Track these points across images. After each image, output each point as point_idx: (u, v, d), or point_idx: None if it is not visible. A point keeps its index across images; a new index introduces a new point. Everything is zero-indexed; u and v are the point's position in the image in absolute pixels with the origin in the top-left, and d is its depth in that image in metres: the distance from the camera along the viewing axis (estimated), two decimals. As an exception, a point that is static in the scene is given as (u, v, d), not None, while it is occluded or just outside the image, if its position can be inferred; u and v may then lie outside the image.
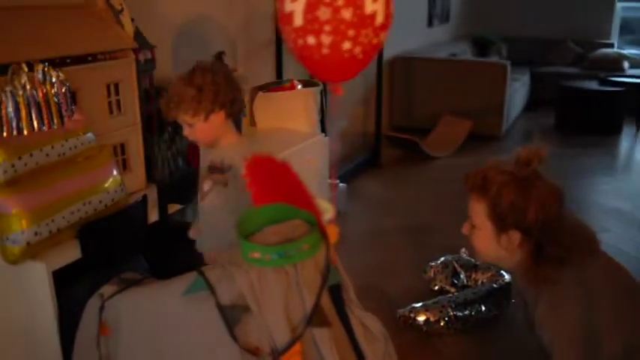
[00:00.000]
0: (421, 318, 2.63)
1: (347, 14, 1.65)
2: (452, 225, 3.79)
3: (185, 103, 1.98)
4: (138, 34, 2.52)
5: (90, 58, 2.27)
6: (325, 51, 1.70)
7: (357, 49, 1.71)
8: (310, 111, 3.53)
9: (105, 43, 2.30)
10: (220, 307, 1.60)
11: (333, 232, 1.71)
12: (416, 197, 4.42)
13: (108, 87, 2.32)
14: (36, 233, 1.91)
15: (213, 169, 2.08)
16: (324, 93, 3.67)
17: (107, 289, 1.81)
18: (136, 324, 1.74)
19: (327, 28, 1.67)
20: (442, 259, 3.07)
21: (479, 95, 6.01)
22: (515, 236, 1.68)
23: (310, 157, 3.26)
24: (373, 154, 5.10)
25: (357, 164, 4.80)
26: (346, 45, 1.69)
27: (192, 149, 2.74)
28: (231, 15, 3.56)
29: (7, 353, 2.18)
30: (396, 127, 6.12)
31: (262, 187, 1.74)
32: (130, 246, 2.18)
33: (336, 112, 4.36)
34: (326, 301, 1.67)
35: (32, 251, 1.93)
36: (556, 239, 1.66)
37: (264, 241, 1.65)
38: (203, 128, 2.03)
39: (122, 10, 2.43)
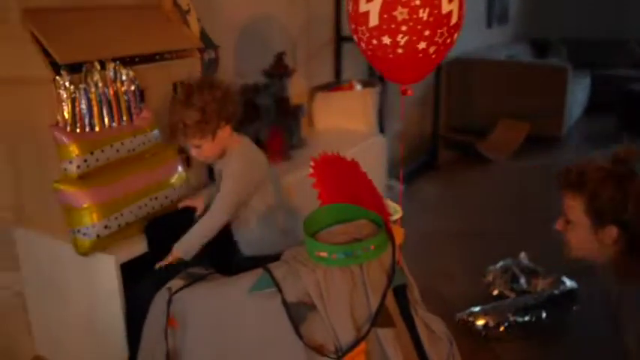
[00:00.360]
0: (480, 322, 2.60)
1: (424, 14, 1.65)
2: (510, 229, 3.77)
3: (191, 128, 1.97)
4: (203, 34, 2.57)
5: (158, 57, 2.33)
6: (400, 51, 1.70)
7: (432, 49, 1.71)
8: (369, 111, 3.53)
9: (172, 43, 2.36)
10: (286, 304, 1.61)
11: (399, 233, 1.71)
12: (473, 200, 4.37)
13: (174, 85, 2.38)
14: (106, 226, 1.97)
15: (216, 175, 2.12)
16: (383, 93, 3.67)
17: (175, 283, 1.84)
18: (202, 318, 1.76)
19: (403, 27, 1.67)
20: (501, 263, 3.02)
21: (538, 98, 5.89)
22: (613, 231, 1.69)
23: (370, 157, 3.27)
24: (430, 156, 5.06)
25: (414, 166, 4.77)
26: (421, 45, 1.69)
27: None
28: (292, 16, 3.59)
29: (74, 341, 2.25)
30: (453, 128, 6.05)
31: (329, 186, 1.74)
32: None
33: (394, 113, 4.35)
34: (391, 302, 1.66)
35: (102, 244, 2.00)
36: None
37: (330, 240, 1.65)
38: (211, 147, 2.04)
39: (189, 10, 2.48)
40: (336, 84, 3.72)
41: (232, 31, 3.15)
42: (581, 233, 1.77)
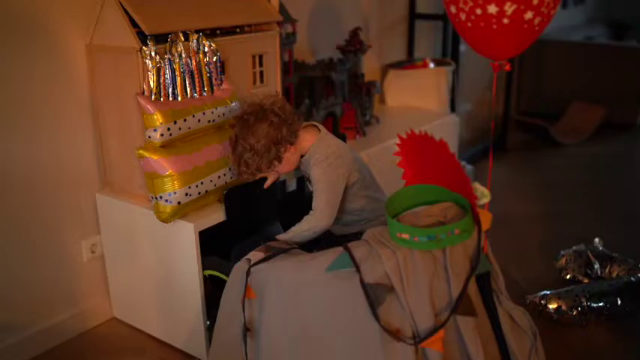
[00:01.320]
0: (552, 305, 2.55)
1: None
2: (582, 214, 3.67)
3: (253, 165, 1.97)
4: (282, 8, 2.57)
5: (238, 30, 2.35)
6: (506, 21, 1.62)
7: (537, 20, 1.63)
8: (442, 90, 3.49)
9: (253, 16, 2.37)
10: (364, 285, 1.58)
11: (486, 219, 1.64)
12: (544, 184, 4.26)
13: (253, 58, 2.39)
14: (187, 194, 2.01)
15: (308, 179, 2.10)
16: (456, 72, 3.61)
17: (254, 255, 1.84)
18: (280, 293, 1.76)
19: None
20: (575, 247, 2.94)
21: (614, 81, 5.68)
22: None
23: (440, 137, 3.22)
24: (500, 138, 4.96)
25: (483, 147, 4.69)
26: (528, 15, 1.61)
27: (329, 123, 2.79)
28: (366, -8, 3.57)
29: (150, 307, 2.32)
30: (524, 111, 5.91)
31: (415, 165, 1.70)
32: (268, 212, 2.25)
33: (465, 93, 4.28)
34: (473, 290, 1.61)
35: (182, 211, 2.04)
36: None
37: (414, 222, 1.61)
38: (283, 166, 2.04)
39: (270, -17, 2.49)
40: (410, 62, 3.68)
41: (307, 6, 3.14)
42: None
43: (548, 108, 5.84)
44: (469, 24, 1.65)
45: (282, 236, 1.99)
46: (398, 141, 1.72)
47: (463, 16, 1.65)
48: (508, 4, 1.57)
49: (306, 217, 2.01)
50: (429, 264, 1.56)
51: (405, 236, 1.57)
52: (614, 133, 5.41)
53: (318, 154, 2.02)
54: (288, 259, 1.78)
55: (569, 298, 2.57)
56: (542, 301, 2.58)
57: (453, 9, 1.68)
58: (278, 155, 1.99)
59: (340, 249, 1.67)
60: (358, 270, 1.60)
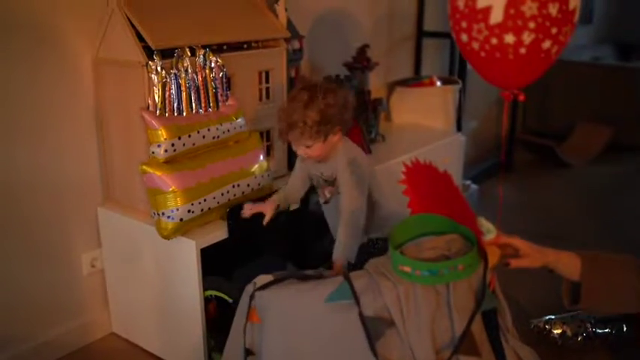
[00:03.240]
0: (557, 331, 2.51)
1: (553, 10, 1.50)
2: (587, 236, 3.63)
3: (308, 128, 1.92)
4: (289, 24, 2.56)
5: (245, 46, 2.33)
6: (523, 50, 1.55)
7: (554, 49, 1.57)
8: (448, 108, 3.47)
9: (260, 32, 2.37)
10: (363, 318, 1.53)
11: (494, 254, 1.58)
12: (549, 205, 4.23)
13: (260, 74, 2.38)
14: (189, 211, 1.99)
15: (327, 182, 2.06)
16: (462, 91, 3.59)
17: (260, 279, 1.79)
18: (280, 320, 1.71)
19: (531, 25, 1.51)
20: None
21: (622, 102, 5.66)
22: None
23: (446, 156, 3.21)
24: (506, 158, 4.94)
25: (488, 166, 4.67)
26: (546, 44, 1.54)
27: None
28: (373, 9, 3.56)
29: (150, 323, 2.30)
30: (530, 131, 5.88)
31: (420, 195, 1.66)
32: (272, 230, 2.23)
33: (472, 112, 4.27)
34: (478, 327, 1.54)
35: (184, 228, 2.02)
36: None
37: (417, 255, 1.56)
38: (320, 147, 1.98)
39: (278, -1, 2.48)
40: (416, 79, 3.66)
41: (312, 22, 3.13)
42: None
43: (554, 128, 5.82)
44: (483, 54, 1.59)
45: (336, 256, 1.93)
46: (403, 169, 1.69)
47: (476, 46, 1.59)
48: (526, 33, 1.51)
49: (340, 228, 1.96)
50: (431, 299, 1.51)
51: (407, 269, 1.51)
52: (622, 154, 5.38)
53: (350, 152, 2.02)
54: (291, 286, 1.73)
55: (574, 323, 2.53)
56: (546, 326, 2.54)
57: (464, 37, 1.62)
58: (330, 132, 1.94)
59: (341, 278, 1.62)
60: (357, 302, 1.55)
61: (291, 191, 2.17)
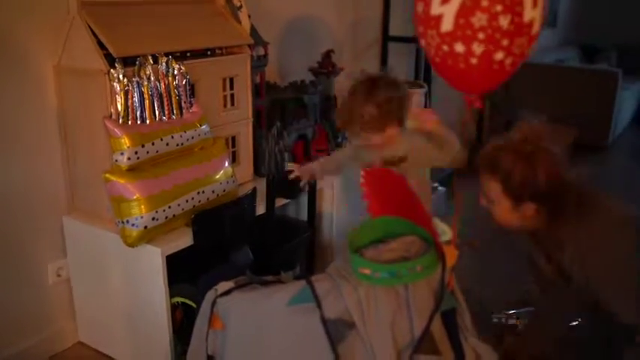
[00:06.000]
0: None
1: (504, 22, 1.49)
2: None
3: (367, 121, 1.97)
4: (253, 31, 2.58)
5: (209, 53, 2.34)
6: (474, 61, 1.55)
7: (509, 60, 1.57)
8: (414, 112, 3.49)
9: (224, 39, 2.38)
10: (324, 321, 1.55)
11: (451, 255, 1.61)
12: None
13: (224, 81, 2.39)
14: (153, 218, 1.99)
15: (389, 163, 2.09)
16: (428, 95, 3.63)
17: (222, 286, 1.81)
18: (243, 325, 1.73)
19: (480, 35, 1.51)
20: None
21: (585, 104, 5.77)
22: (531, 207, 1.82)
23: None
24: (471, 159, 5.01)
25: (451, 169, 4.73)
26: (498, 55, 1.54)
27: (300, 145, 2.79)
28: (339, 15, 3.59)
29: (117, 331, 2.29)
30: (495, 132, 5.98)
31: (379, 199, 1.69)
32: (238, 236, 2.24)
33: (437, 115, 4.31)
34: (438, 327, 1.57)
35: (149, 235, 2.02)
36: (567, 201, 1.80)
37: (376, 257, 1.58)
38: (377, 139, 2.04)
39: (241, 6, 2.50)
40: (382, 84, 3.69)
41: (279, 28, 3.15)
42: (503, 210, 1.88)
43: (520, 129, 5.90)
44: (437, 59, 1.61)
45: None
46: (362, 173, 1.72)
47: (432, 51, 1.60)
48: (475, 44, 1.51)
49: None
50: (391, 300, 1.53)
51: (367, 271, 1.54)
52: (584, 155, 5.45)
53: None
54: (252, 291, 1.75)
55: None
56: (508, 320, 2.61)
57: (422, 42, 1.64)
58: (387, 126, 2.00)
59: (303, 282, 1.64)
60: (319, 305, 1.57)
61: (332, 164, 2.28)
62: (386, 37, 3.94)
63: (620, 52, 7.77)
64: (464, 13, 1.51)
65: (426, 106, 3.61)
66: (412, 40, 3.86)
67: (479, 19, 1.50)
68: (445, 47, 1.57)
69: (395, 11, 3.92)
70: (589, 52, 7.69)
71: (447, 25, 1.54)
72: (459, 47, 1.55)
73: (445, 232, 1.67)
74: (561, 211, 1.84)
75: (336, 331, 1.55)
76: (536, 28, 1.57)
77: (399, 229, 1.65)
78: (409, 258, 1.57)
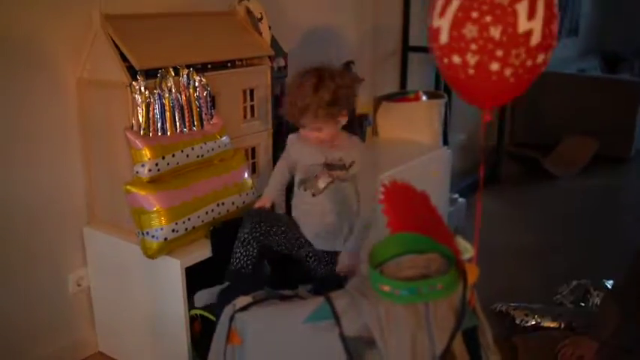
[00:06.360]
0: (519, 317, 2.63)
1: (495, 32, 1.50)
2: (574, 247, 3.65)
3: (321, 109, 1.97)
4: (274, 42, 2.58)
5: (229, 64, 2.35)
6: (471, 72, 1.56)
7: (508, 72, 1.56)
8: (434, 123, 3.49)
9: (244, 50, 2.38)
10: (343, 339, 1.52)
11: (473, 272, 1.56)
12: (536, 217, 4.25)
13: (244, 92, 2.40)
14: (174, 230, 2.00)
15: (334, 166, 2.09)
16: (448, 105, 3.62)
17: (240, 300, 1.77)
18: (260, 341, 1.70)
19: (472, 47, 1.52)
20: (575, 282, 2.92)
21: (607, 114, 5.70)
22: None
23: (435, 170, 3.23)
24: (493, 170, 4.97)
25: (476, 179, 4.69)
26: (494, 66, 1.54)
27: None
28: (359, 25, 3.58)
29: (136, 342, 2.29)
30: (518, 143, 5.92)
31: (399, 214, 1.67)
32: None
33: (458, 125, 4.29)
34: (459, 346, 1.54)
35: (168, 247, 2.02)
36: None
37: (396, 274, 1.54)
38: (331, 130, 2.04)
39: (262, 17, 2.50)
40: (402, 94, 3.68)
41: (299, 38, 3.15)
42: None
43: (542, 139, 5.85)
44: (444, 71, 1.62)
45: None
46: (381, 189, 1.70)
47: (438, 63, 1.62)
48: (469, 54, 1.53)
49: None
50: (411, 318, 1.49)
51: (387, 288, 1.50)
52: (607, 166, 5.42)
53: (359, 143, 2.17)
54: (270, 307, 1.73)
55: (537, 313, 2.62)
56: (510, 311, 2.68)
57: (433, 55, 1.66)
58: (340, 114, 2.03)
59: (321, 299, 1.61)
60: (338, 322, 1.54)
61: (277, 186, 2.26)
62: (406, 47, 3.93)
63: (642, 62, 7.68)
64: (456, 25, 1.54)
65: (446, 116, 3.60)
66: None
67: (469, 30, 1.52)
68: (445, 60, 1.60)
69: (414, 21, 3.91)
70: (611, 60, 7.61)
71: (444, 38, 1.57)
72: (456, 59, 1.57)
73: (467, 249, 1.63)
74: None
75: (355, 349, 1.53)
76: (535, 39, 1.56)
77: (419, 245, 1.63)
78: (429, 275, 1.54)
